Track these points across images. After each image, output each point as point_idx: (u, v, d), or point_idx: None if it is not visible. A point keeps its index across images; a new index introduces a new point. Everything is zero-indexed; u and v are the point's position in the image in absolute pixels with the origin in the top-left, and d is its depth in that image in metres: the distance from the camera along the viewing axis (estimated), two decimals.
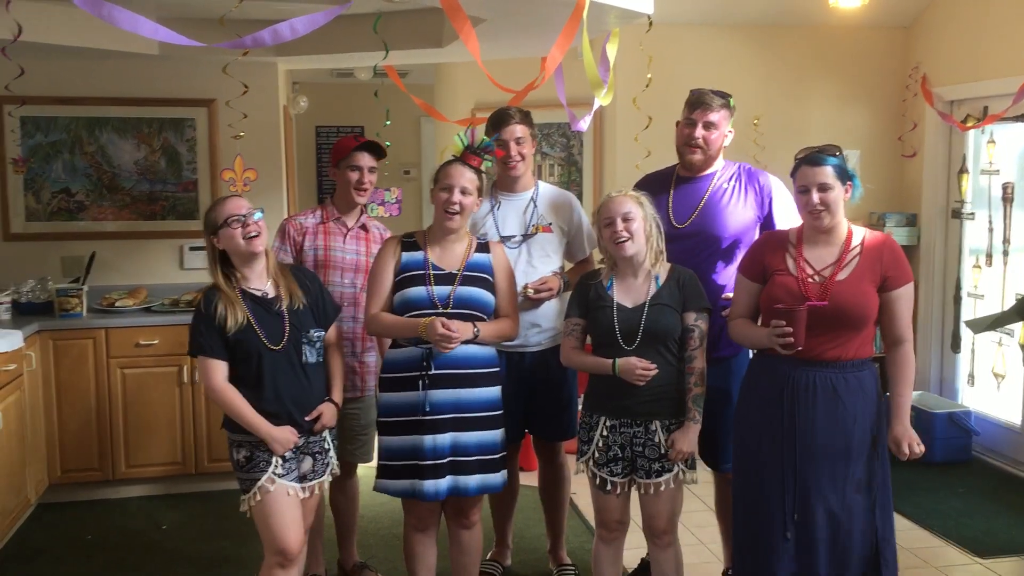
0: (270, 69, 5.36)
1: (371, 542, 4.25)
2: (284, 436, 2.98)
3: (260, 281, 3.06)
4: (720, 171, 3.47)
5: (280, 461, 2.98)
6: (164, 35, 2.24)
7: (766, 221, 3.44)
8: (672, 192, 3.47)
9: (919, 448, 2.95)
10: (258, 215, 3.03)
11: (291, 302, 3.05)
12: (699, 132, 3.38)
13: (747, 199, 3.42)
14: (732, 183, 3.44)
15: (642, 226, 3.08)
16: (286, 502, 2.98)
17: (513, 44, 4.97)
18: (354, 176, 3.59)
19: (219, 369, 2.98)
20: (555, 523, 3.92)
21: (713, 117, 3.36)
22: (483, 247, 3.28)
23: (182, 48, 2.58)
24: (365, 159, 3.60)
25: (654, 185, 3.46)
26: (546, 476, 3.87)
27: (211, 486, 4.94)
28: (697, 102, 3.40)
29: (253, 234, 2.97)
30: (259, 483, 2.96)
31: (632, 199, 3.10)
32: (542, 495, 3.92)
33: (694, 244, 3.37)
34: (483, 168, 3.23)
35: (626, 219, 3.06)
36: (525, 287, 3.48)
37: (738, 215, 3.40)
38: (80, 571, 4.05)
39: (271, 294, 3.06)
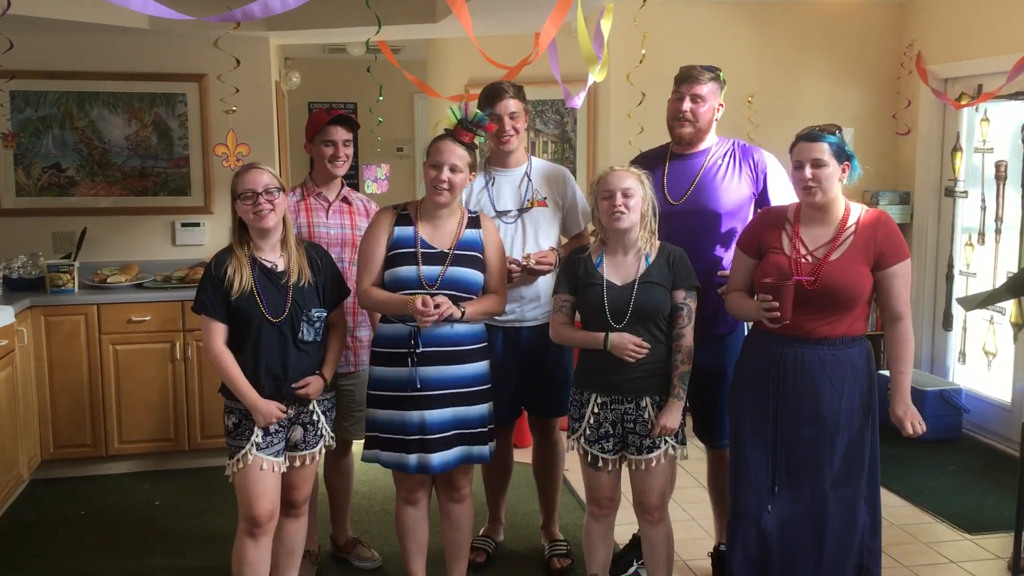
0: (262, 44, 5.33)
1: (364, 518, 4.26)
2: (268, 409, 3.02)
3: (272, 253, 3.11)
4: (714, 147, 3.46)
5: (261, 433, 3.04)
6: (153, 8, 2.22)
7: (761, 197, 3.44)
8: (667, 169, 3.46)
9: (921, 427, 2.95)
10: (275, 190, 3.05)
11: (298, 279, 3.08)
12: (687, 105, 3.38)
13: (741, 175, 3.42)
14: (727, 159, 3.44)
15: (639, 204, 3.08)
16: (260, 474, 3.04)
17: (506, 19, 4.94)
18: (328, 151, 3.57)
19: (218, 332, 3.05)
20: (548, 499, 3.93)
21: (700, 90, 3.36)
22: (474, 221, 3.27)
23: (173, 22, 2.57)
24: (339, 133, 3.58)
25: (649, 162, 3.45)
26: (540, 452, 3.88)
27: (203, 462, 4.95)
28: (685, 76, 3.41)
29: (263, 211, 3.01)
30: (242, 451, 3.03)
31: (634, 176, 3.09)
32: (536, 471, 3.93)
33: (689, 220, 3.37)
34: (476, 143, 3.21)
35: (626, 194, 3.05)
36: (527, 256, 3.48)
37: (733, 191, 3.40)
38: (73, 547, 4.06)
39: (280, 267, 3.10)
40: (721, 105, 3.45)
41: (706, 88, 3.37)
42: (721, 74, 3.43)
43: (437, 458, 3.15)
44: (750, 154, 3.46)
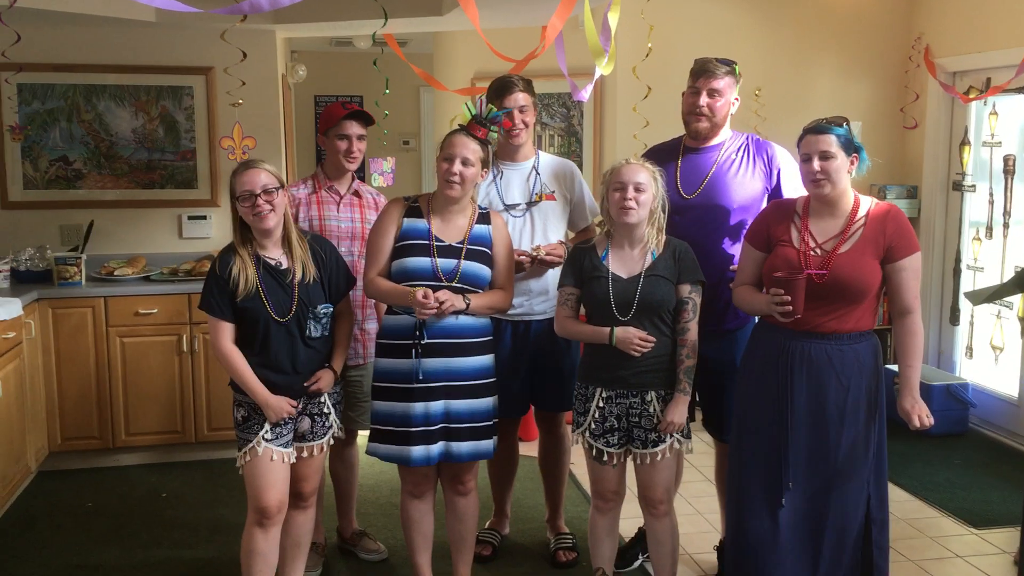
0: (268, 37, 5.33)
1: (370, 510, 4.27)
2: (279, 404, 3.04)
3: (276, 250, 3.10)
4: (728, 141, 3.45)
5: (270, 426, 3.05)
6: (160, 1, 2.22)
7: (774, 192, 3.43)
8: (680, 163, 3.45)
9: (928, 420, 2.94)
10: (274, 189, 3.02)
11: (303, 276, 3.08)
12: (703, 100, 3.35)
13: (755, 170, 3.40)
14: (740, 154, 3.42)
15: (649, 200, 3.07)
16: (269, 464, 3.05)
17: (513, 12, 4.93)
18: (343, 145, 3.57)
19: (226, 331, 3.05)
20: (554, 493, 3.93)
21: (717, 84, 3.34)
22: (484, 217, 3.27)
23: (180, 15, 2.57)
24: (353, 127, 3.57)
25: (661, 156, 3.44)
26: (546, 446, 3.88)
27: (210, 454, 4.96)
28: (701, 70, 3.37)
29: (262, 212, 3.00)
30: (251, 444, 3.04)
31: (648, 171, 3.08)
32: (541, 465, 3.93)
33: (702, 214, 3.36)
34: (489, 140, 3.21)
35: (638, 188, 3.04)
36: (537, 248, 3.48)
37: (746, 186, 3.39)
38: (80, 538, 4.08)
39: (284, 265, 3.09)
40: (737, 99, 3.43)
41: (722, 82, 3.35)
42: (737, 67, 3.41)
43: (439, 449, 3.16)
44: (764, 149, 3.44)
